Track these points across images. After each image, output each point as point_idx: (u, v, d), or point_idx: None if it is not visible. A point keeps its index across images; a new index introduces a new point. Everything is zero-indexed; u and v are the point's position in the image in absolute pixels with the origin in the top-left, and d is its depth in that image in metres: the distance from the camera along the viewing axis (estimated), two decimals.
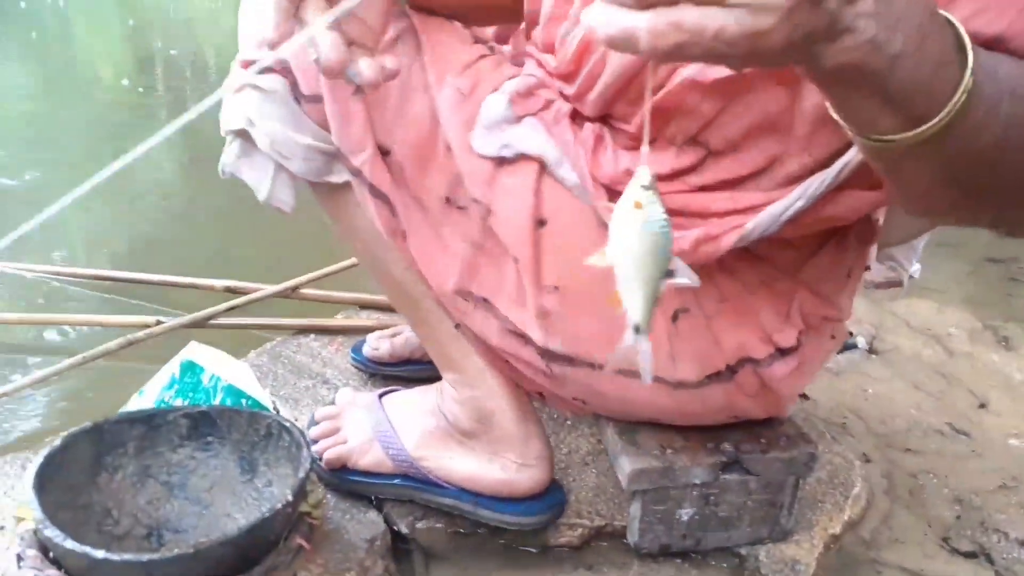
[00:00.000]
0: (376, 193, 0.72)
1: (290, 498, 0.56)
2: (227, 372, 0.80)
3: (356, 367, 1.08)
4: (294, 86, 0.72)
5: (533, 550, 0.86)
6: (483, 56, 0.74)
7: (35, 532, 0.50)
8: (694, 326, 0.71)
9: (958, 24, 0.43)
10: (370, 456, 0.84)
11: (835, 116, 0.47)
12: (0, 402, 1.08)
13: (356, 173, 0.72)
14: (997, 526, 0.93)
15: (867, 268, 0.80)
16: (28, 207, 1.85)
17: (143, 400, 0.81)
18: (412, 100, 0.71)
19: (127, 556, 0.51)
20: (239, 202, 0.76)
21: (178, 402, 0.78)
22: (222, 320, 1.19)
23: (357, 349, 1.08)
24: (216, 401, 0.77)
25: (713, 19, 0.36)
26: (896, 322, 1.40)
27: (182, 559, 0.50)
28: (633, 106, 0.68)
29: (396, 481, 0.84)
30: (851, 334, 1.30)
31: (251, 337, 1.21)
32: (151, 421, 0.60)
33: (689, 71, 0.62)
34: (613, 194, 0.69)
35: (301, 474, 0.58)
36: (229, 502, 0.64)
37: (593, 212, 0.69)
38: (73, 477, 0.57)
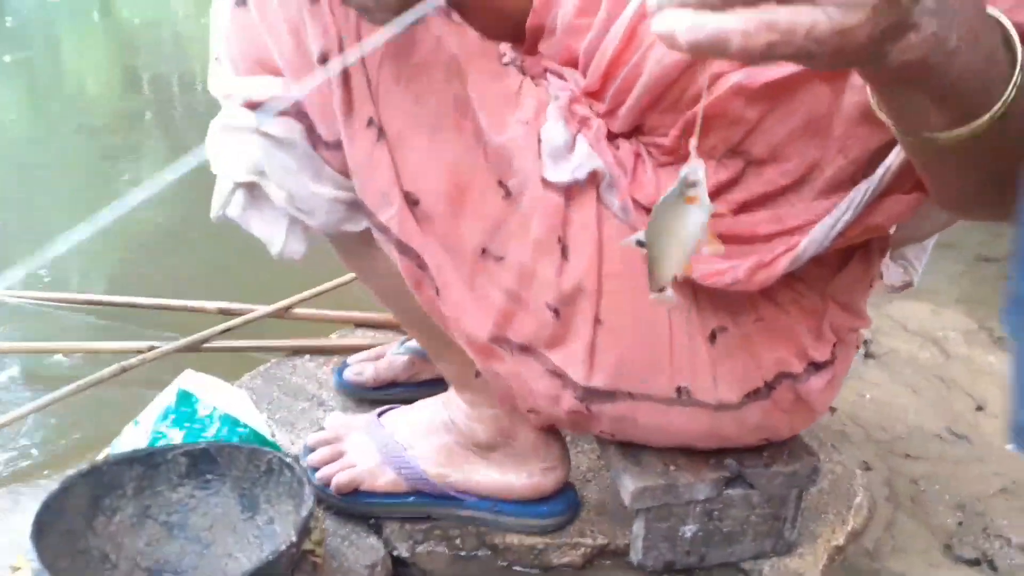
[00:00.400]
0: (404, 249, 0.68)
1: (294, 538, 0.55)
2: (223, 400, 0.79)
3: (340, 392, 1.06)
4: (310, 130, 0.67)
5: (535, 571, 0.85)
6: (520, 77, 0.71)
7: None
8: (733, 344, 0.71)
9: (1005, 20, 0.43)
10: (383, 478, 0.84)
11: (881, 116, 0.47)
12: None
13: (383, 229, 0.68)
14: (1000, 532, 0.92)
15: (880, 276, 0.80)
16: (21, 231, 1.85)
17: (138, 430, 0.80)
18: (445, 142, 0.66)
19: None
20: (229, 222, 0.73)
21: (174, 432, 0.77)
22: (216, 343, 1.18)
23: (340, 372, 1.06)
24: (212, 430, 0.76)
25: (806, 17, 0.35)
26: (892, 325, 1.40)
27: None
28: (667, 115, 0.67)
29: (411, 499, 0.84)
30: None
31: (246, 359, 1.20)
32: (150, 460, 0.59)
33: (738, 76, 0.60)
34: None
35: (304, 512, 0.57)
36: (230, 541, 0.63)
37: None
38: (71, 522, 0.56)
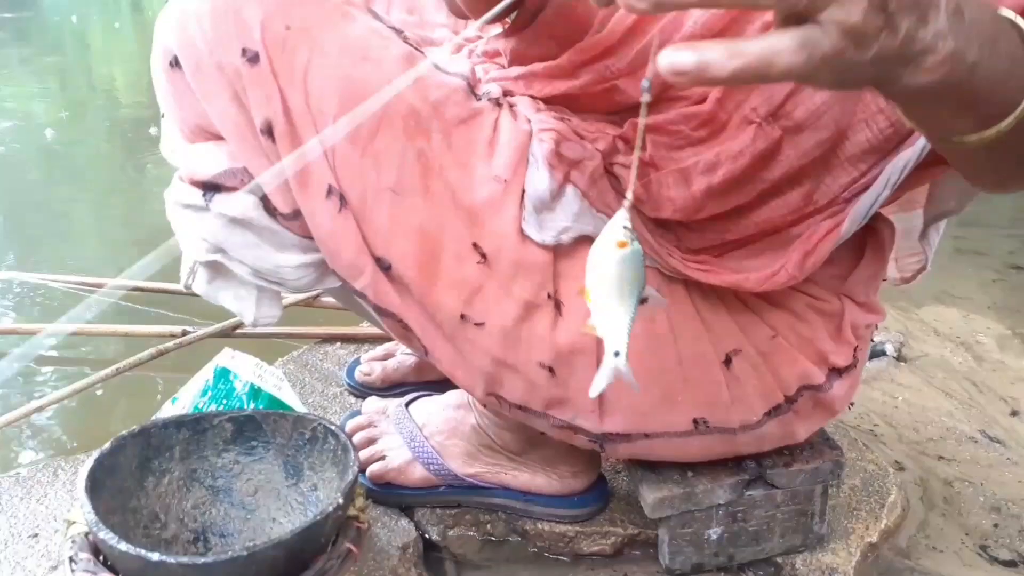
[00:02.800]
0: (384, 312, 0.64)
1: (340, 501, 0.55)
2: (260, 378, 0.80)
3: (350, 391, 1.05)
4: (266, 201, 0.62)
5: (566, 559, 0.85)
6: (494, 115, 0.63)
7: (86, 535, 0.50)
8: (750, 366, 0.68)
9: (1018, 20, 0.43)
10: (414, 475, 0.84)
11: (908, 123, 0.46)
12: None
13: (360, 295, 0.64)
14: None
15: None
16: (57, 222, 1.87)
17: (176, 408, 0.81)
18: (411, 206, 0.61)
19: (182, 559, 0.51)
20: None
21: (212, 408, 0.78)
22: (248, 329, 1.19)
23: (350, 371, 1.06)
24: (249, 408, 0.77)
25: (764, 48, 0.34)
26: (924, 329, 1.39)
27: (236, 562, 0.49)
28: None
29: (441, 489, 0.85)
30: (876, 341, 1.29)
31: (277, 346, 1.21)
32: (197, 425, 0.60)
33: None
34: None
35: (349, 477, 0.57)
36: (274, 506, 0.64)
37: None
38: (122, 481, 0.57)
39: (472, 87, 0.64)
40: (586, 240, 0.62)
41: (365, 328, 1.23)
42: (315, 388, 1.07)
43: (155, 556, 0.48)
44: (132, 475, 0.58)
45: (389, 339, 1.13)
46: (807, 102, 0.60)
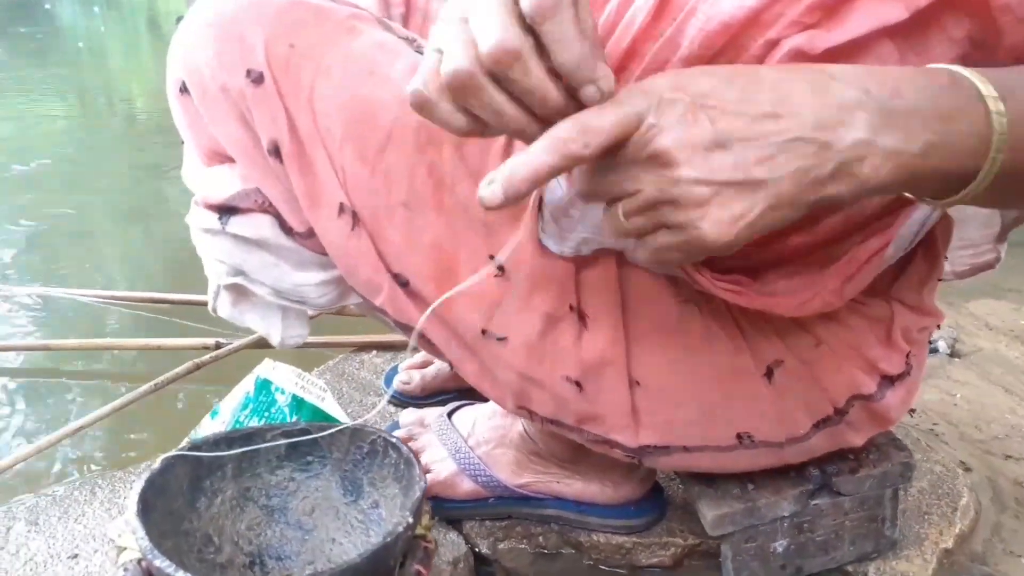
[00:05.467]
0: (406, 328, 0.63)
1: (410, 519, 0.52)
2: (303, 389, 0.77)
3: (389, 400, 1.02)
4: (281, 220, 0.62)
5: (623, 571, 0.81)
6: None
7: (139, 562, 0.47)
8: (794, 377, 0.64)
9: (971, 75, 0.42)
10: (462, 487, 0.81)
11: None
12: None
13: (380, 312, 0.63)
14: None
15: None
16: (73, 238, 1.87)
17: (216, 422, 0.78)
18: (424, 221, 0.59)
19: None
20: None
21: (253, 422, 0.75)
22: None
23: (388, 379, 1.03)
24: (294, 420, 0.74)
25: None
26: (975, 323, 1.34)
27: None
28: None
29: (491, 501, 0.81)
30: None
31: (312, 355, 1.19)
32: (249, 440, 0.57)
33: (799, 40, 0.50)
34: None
35: (416, 493, 0.54)
36: (333, 525, 0.60)
37: (669, 293, 0.61)
38: (173, 502, 0.54)
39: None
40: (607, 252, 0.59)
41: (401, 336, 1.20)
42: (353, 398, 1.05)
43: None
44: (183, 496, 0.55)
45: None
46: None
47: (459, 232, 0.59)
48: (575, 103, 0.42)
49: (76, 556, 0.79)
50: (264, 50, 0.58)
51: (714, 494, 0.73)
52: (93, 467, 1.05)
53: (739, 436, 0.66)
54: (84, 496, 0.87)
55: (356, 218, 0.59)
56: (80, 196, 2.16)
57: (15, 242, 1.85)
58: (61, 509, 0.85)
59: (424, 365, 1.03)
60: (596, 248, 0.59)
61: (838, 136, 0.42)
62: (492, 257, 0.59)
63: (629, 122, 0.42)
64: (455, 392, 0.99)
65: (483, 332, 0.60)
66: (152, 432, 1.12)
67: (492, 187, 0.42)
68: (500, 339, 0.60)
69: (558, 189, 0.58)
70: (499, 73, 0.40)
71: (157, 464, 0.54)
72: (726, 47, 0.51)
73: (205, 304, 1.29)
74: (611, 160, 0.44)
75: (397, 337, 1.19)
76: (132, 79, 4.00)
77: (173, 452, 0.54)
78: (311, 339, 1.17)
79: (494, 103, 0.41)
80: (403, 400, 1.01)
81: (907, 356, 0.67)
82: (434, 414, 0.87)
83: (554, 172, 0.42)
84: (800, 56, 0.50)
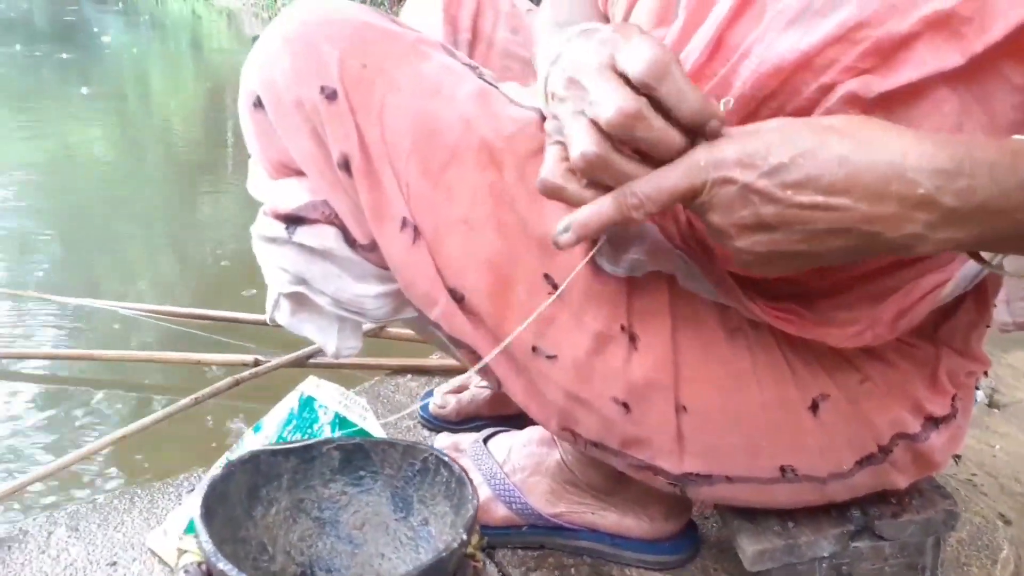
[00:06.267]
0: (458, 343, 0.64)
1: (464, 536, 0.52)
2: (346, 408, 0.78)
3: (423, 424, 1.02)
4: (345, 231, 0.63)
5: None
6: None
7: (199, 565, 0.48)
8: (839, 412, 0.64)
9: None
10: (497, 514, 0.80)
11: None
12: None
13: (434, 325, 0.64)
14: None
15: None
16: (118, 255, 1.91)
17: (259, 436, 0.79)
18: (483, 238, 0.61)
19: None
20: None
21: (296, 438, 0.76)
22: (320, 359, 1.18)
23: (425, 406, 1.03)
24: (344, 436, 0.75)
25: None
26: (1014, 374, 1.32)
27: None
28: None
29: (525, 529, 0.81)
30: None
31: (348, 377, 1.20)
32: (306, 453, 0.57)
33: (853, 84, 0.51)
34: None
35: (469, 511, 0.54)
36: (382, 541, 0.60)
37: (718, 320, 0.62)
38: (232, 509, 0.54)
39: (545, 119, 0.63)
40: (659, 276, 0.61)
41: (437, 360, 1.21)
42: (387, 421, 1.05)
43: None
44: (241, 503, 0.56)
45: (461, 372, 1.11)
46: None
47: (516, 250, 0.60)
48: (691, 140, 0.47)
49: (115, 564, 0.80)
50: (339, 67, 0.60)
51: (754, 529, 0.73)
52: (129, 476, 1.07)
53: (782, 469, 0.66)
54: (124, 505, 0.89)
55: (417, 232, 0.60)
56: (116, 214, 2.21)
57: (53, 253, 1.90)
58: (101, 517, 0.87)
59: (460, 390, 1.03)
60: (649, 271, 0.61)
61: (891, 228, 0.43)
62: (547, 276, 0.60)
63: (685, 194, 0.47)
64: (490, 419, 1.00)
65: (533, 349, 0.61)
66: (183, 446, 1.13)
67: (567, 234, 0.49)
68: (550, 357, 0.61)
69: None
70: (625, 136, 0.45)
71: (219, 471, 0.55)
72: (778, 90, 0.51)
73: (243, 322, 1.33)
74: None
75: (432, 362, 1.20)
76: (172, 99, 4.10)
77: (233, 459, 0.55)
78: (348, 360, 1.20)
79: (624, 171, 0.47)
80: (437, 425, 1.02)
81: (953, 399, 0.67)
82: (469, 439, 0.88)
83: (619, 225, 0.48)
84: (855, 101, 0.51)
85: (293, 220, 0.63)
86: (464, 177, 0.60)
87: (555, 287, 0.60)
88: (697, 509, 0.88)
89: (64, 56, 4.70)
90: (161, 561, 0.80)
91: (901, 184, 0.43)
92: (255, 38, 0.69)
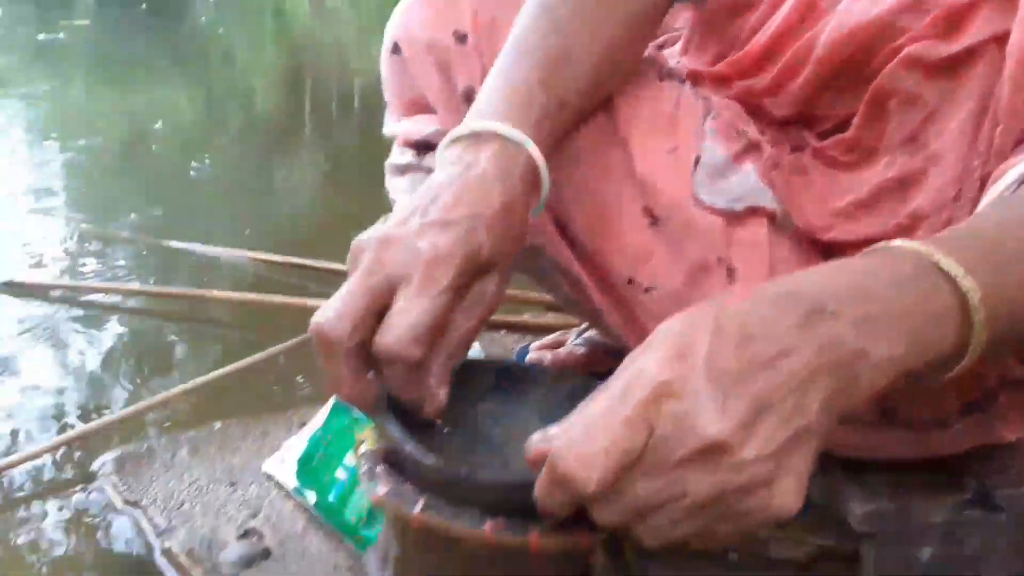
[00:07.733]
0: (559, 268, 0.66)
1: None
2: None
3: None
4: None
5: (756, 561, 0.81)
6: (676, 92, 0.66)
7: (377, 452, 0.50)
8: None
9: (934, 253, 0.40)
10: None
11: None
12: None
13: (539, 250, 0.66)
14: None
15: None
16: (203, 214, 1.97)
17: None
18: (590, 173, 0.64)
19: (503, 475, 0.51)
20: None
21: None
22: None
23: (520, 359, 1.03)
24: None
25: None
26: None
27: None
28: (842, 96, 0.62)
29: None
30: None
31: None
32: (463, 373, 0.58)
33: (915, 48, 0.53)
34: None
35: None
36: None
37: (815, 264, 0.60)
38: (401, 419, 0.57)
39: (660, 67, 0.67)
40: (759, 212, 0.62)
41: (527, 318, 1.23)
42: None
43: (464, 471, 0.46)
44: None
45: (553, 329, 1.12)
46: (944, 126, 0.57)
47: (620, 185, 0.62)
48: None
49: (234, 484, 0.85)
50: (471, 16, 0.65)
51: (864, 491, 0.72)
52: (243, 410, 1.10)
53: (884, 411, 0.65)
54: (239, 433, 0.94)
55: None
56: (201, 176, 2.29)
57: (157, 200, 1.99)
58: (219, 442, 0.92)
59: (555, 346, 1.05)
60: (749, 205, 0.62)
61: (855, 355, 0.39)
62: (647, 209, 0.62)
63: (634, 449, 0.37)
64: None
65: (630, 281, 0.63)
66: (287, 387, 1.17)
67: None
68: (648, 289, 0.62)
69: (718, 152, 0.62)
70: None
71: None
72: (858, 50, 0.56)
73: (341, 272, 1.37)
74: (629, 477, 0.38)
75: (527, 319, 1.22)
76: (254, 73, 4.19)
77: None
78: None
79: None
80: None
81: None
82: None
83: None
84: (915, 63, 0.55)
85: (423, 146, 0.68)
86: (594, 125, 0.63)
87: (655, 219, 0.62)
88: None
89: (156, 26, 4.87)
90: (278, 485, 0.84)
91: (826, 322, 0.40)
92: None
